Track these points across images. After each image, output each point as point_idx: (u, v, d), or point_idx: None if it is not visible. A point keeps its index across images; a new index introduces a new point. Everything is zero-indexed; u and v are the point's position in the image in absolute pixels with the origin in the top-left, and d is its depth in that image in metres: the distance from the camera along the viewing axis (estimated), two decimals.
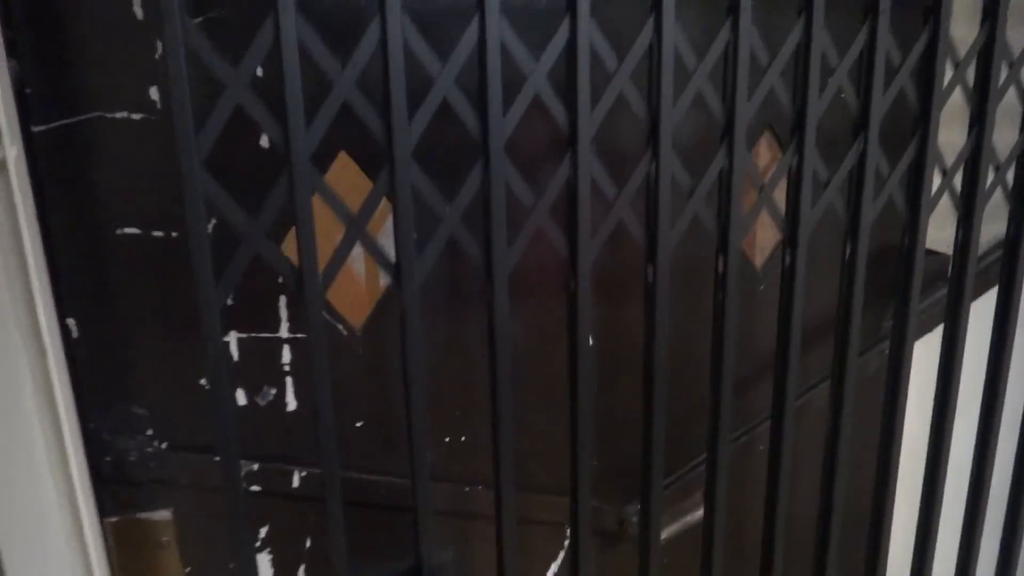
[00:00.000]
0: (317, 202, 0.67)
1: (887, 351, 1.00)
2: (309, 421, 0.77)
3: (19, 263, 0.75)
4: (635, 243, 0.81)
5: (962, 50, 0.93)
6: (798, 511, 1.03)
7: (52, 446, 0.79)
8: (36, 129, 0.78)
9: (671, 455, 1.07)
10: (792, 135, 0.85)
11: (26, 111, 0.77)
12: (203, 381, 0.87)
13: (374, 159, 0.73)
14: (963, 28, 0.99)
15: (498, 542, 0.84)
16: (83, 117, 0.80)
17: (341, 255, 0.71)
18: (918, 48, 0.89)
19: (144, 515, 0.89)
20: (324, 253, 0.69)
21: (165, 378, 0.88)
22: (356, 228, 0.70)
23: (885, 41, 0.86)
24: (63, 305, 0.82)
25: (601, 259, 0.79)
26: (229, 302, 0.86)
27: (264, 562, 0.95)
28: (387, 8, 0.66)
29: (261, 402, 0.91)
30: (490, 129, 0.72)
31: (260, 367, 0.90)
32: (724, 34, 0.78)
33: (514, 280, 0.76)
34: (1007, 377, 1.08)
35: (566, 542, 1.07)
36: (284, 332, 0.88)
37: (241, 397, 0.90)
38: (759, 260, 1.13)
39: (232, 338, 0.88)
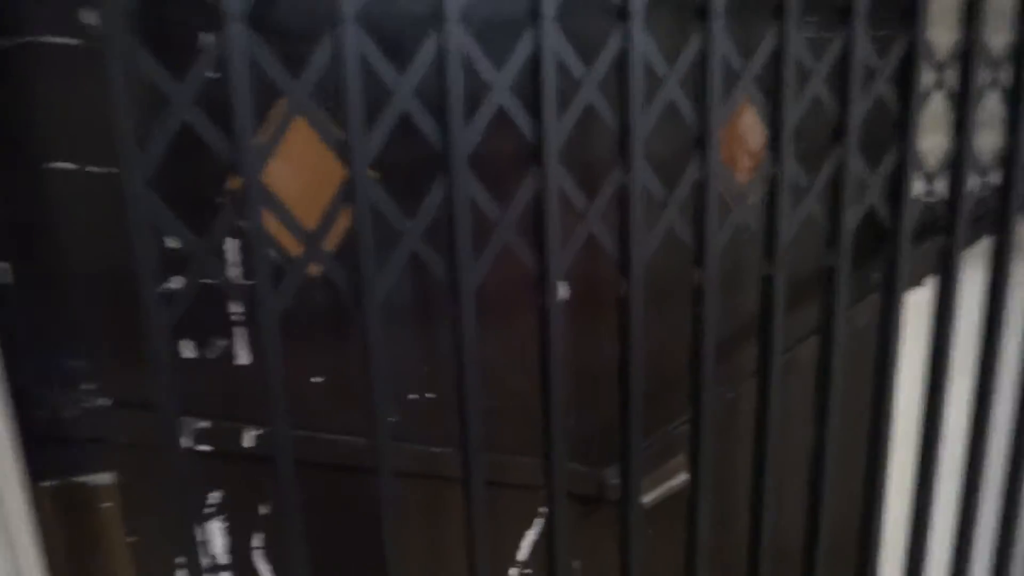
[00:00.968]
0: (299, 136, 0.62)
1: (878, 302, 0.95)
2: (260, 376, 0.70)
3: None
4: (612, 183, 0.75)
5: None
6: (787, 471, 0.98)
7: None
8: None
9: (653, 416, 1.02)
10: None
11: None
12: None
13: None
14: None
15: (467, 504, 0.78)
16: (14, 41, 0.72)
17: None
18: None
19: (82, 478, 0.82)
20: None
21: (106, 328, 0.80)
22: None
23: None
24: None
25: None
26: (174, 244, 0.78)
27: (217, 531, 0.88)
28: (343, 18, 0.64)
29: (210, 355, 0.83)
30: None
31: (207, 317, 0.82)
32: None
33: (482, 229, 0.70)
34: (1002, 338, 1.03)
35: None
36: (234, 278, 0.81)
37: (189, 350, 0.83)
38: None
39: (178, 284, 0.80)
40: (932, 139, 1.00)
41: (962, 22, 0.91)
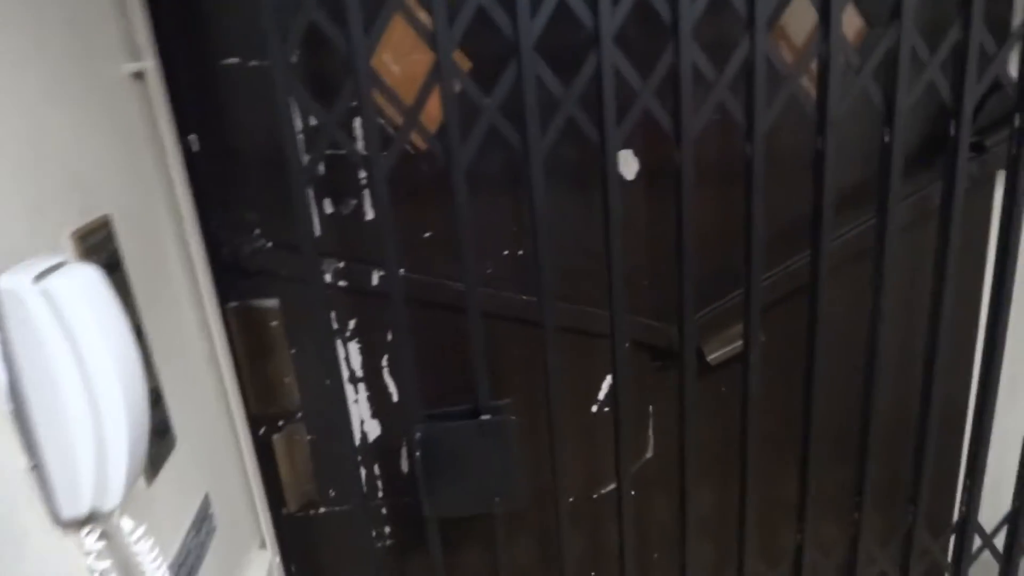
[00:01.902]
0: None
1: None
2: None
3: (142, 92, 0.89)
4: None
5: None
6: (844, 343, 1.06)
7: (178, 242, 0.96)
8: None
9: (722, 282, 1.12)
10: None
11: None
12: None
13: None
14: None
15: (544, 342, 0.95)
16: None
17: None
18: None
19: (256, 302, 1.08)
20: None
21: (270, 188, 1.02)
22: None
23: None
24: (184, 124, 0.97)
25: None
26: (312, 123, 0.97)
27: (354, 350, 1.12)
28: None
29: (344, 211, 1.04)
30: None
31: (342, 181, 1.02)
32: None
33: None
34: None
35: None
36: (360, 149, 0.99)
37: (328, 206, 1.04)
38: None
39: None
40: None
41: None
